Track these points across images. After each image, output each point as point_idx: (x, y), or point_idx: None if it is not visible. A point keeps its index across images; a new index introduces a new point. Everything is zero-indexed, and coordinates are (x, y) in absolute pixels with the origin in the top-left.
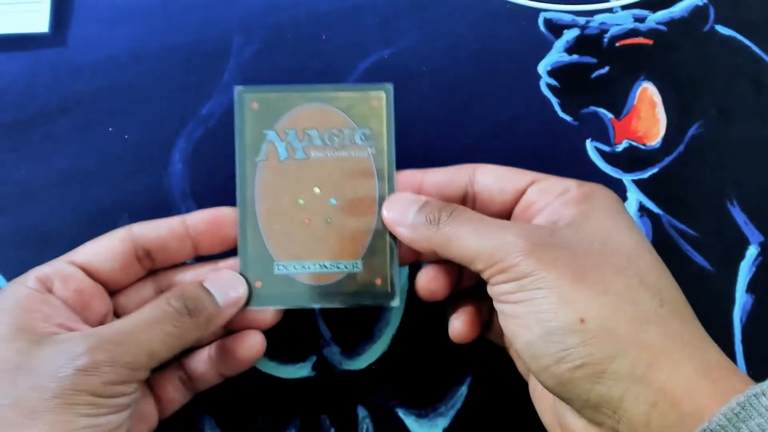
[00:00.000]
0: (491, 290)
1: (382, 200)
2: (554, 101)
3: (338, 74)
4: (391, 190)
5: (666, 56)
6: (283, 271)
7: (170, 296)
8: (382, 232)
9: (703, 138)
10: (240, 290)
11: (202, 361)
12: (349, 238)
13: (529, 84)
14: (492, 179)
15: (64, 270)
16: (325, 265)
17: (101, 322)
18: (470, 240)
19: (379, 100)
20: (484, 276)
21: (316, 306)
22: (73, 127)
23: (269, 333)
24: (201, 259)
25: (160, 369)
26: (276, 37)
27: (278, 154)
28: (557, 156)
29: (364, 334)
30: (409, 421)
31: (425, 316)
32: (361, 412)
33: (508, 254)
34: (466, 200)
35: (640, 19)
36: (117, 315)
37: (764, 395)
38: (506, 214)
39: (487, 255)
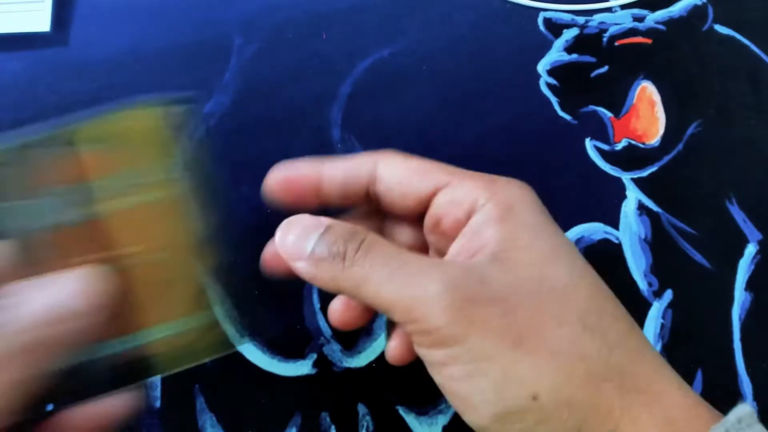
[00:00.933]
0: (419, 351)
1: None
2: (554, 100)
3: (338, 74)
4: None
5: (665, 55)
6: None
7: None
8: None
9: (702, 137)
10: None
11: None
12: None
13: (528, 83)
14: (393, 180)
15: None
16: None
17: None
18: (385, 286)
19: (149, 119)
20: (406, 330)
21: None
22: None
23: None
24: None
25: None
26: (276, 36)
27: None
28: (557, 155)
29: (365, 332)
30: (410, 418)
31: None
32: (362, 409)
33: (431, 312)
34: (371, 200)
35: (639, 19)
36: None
37: None
38: (415, 221)
39: (405, 309)
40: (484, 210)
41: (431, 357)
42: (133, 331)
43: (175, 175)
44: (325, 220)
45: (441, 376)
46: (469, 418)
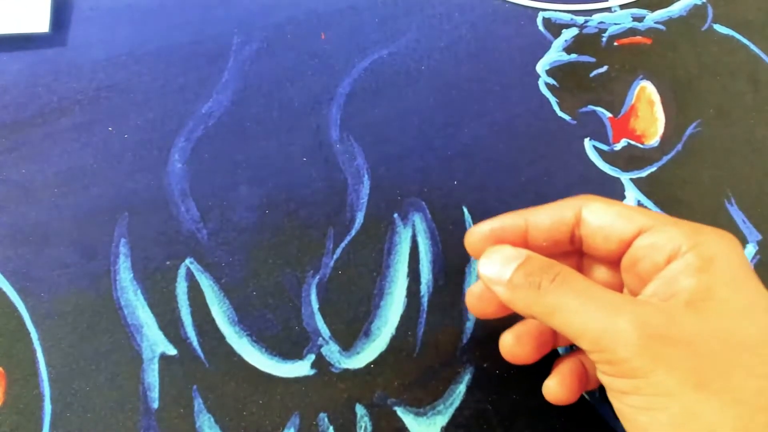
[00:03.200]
0: (602, 379)
1: None
2: (553, 100)
3: (337, 73)
4: None
5: (664, 55)
6: None
7: None
8: None
9: (702, 137)
10: None
11: None
12: None
13: (527, 83)
14: (597, 223)
15: None
16: None
17: None
18: (576, 316)
19: None
20: (591, 357)
21: None
22: (73, 126)
23: (269, 332)
24: None
25: None
26: (275, 36)
27: None
28: (556, 155)
29: (363, 333)
30: (408, 419)
31: (424, 315)
32: (360, 410)
33: (618, 344)
34: (574, 242)
35: (639, 19)
36: None
37: None
38: (614, 261)
39: (593, 338)
40: (684, 258)
41: (613, 385)
42: None
43: None
44: (524, 252)
45: (621, 403)
46: None
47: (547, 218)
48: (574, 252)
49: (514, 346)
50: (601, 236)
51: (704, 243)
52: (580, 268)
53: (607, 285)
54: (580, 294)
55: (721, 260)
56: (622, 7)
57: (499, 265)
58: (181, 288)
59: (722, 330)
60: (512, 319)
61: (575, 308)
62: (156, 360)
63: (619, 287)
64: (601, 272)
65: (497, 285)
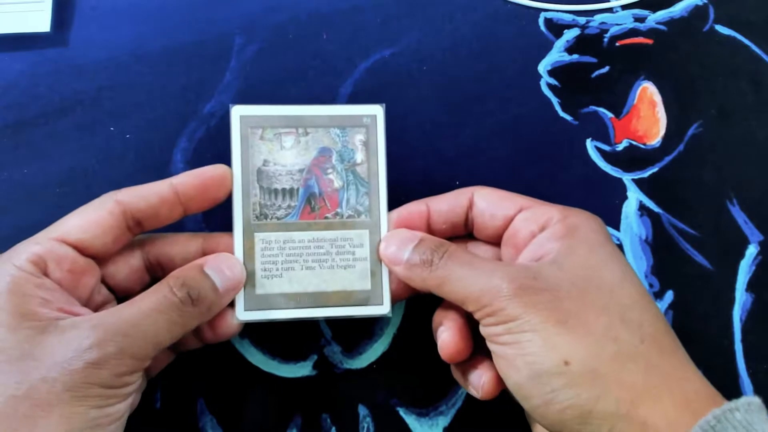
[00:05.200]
0: (483, 330)
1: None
2: (554, 101)
3: (339, 74)
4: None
5: (666, 56)
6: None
7: (173, 285)
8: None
9: (703, 137)
10: (238, 273)
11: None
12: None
13: (529, 84)
14: (486, 204)
15: (57, 251)
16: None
17: (90, 295)
18: (461, 283)
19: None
20: (476, 317)
21: (311, 315)
22: (75, 126)
23: (271, 333)
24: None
25: None
26: (277, 36)
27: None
28: (558, 155)
29: (365, 334)
30: (410, 420)
31: (426, 315)
32: (362, 411)
33: (495, 298)
34: (467, 224)
35: (640, 19)
36: (104, 283)
37: (738, 410)
38: (498, 239)
39: (476, 298)
40: (553, 228)
41: (491, 331)
42: None
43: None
44: (419, 234)
45: (496, 344)
46: (510, 379)
47: (445, 204)
48: (465, 235)
49: (450, 344)
50: (489, 214)
51: (571, 216)
52: (467, 249)
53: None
54: (464, 265)
55: (584, 229)
56: (624, 7)
57: (395, 247)
58: None
59: (580, 278)
60: None
61: (460, 277)
62: None
63: (499, 260)
64: (485, 250)
65: (396, 265)
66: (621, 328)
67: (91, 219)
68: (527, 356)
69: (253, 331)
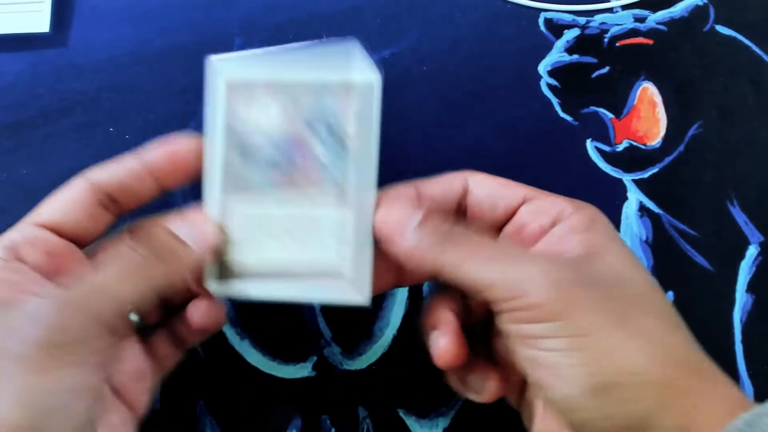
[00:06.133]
0: (509, 327)
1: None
2: (554, 101)
3: None
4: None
5: (666, 56)
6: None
7: (135, 244)
8: (365, 224)
9: (704, 138)
10: (210, 229)
11: (182, 322)
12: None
13: (529, 84)
14: (484, 193)
15: (29, 233)
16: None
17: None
18: (486, 267)
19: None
20: (497, 308)
21: (284, 295)
22: (74, 127)
23: (270, 334)
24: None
25: (149, 329)
26: (277, 37)
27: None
28: (558, 156)
29: (365, 334)
30: (410, 421)
31: None
32: (362, 412)
33: (534, 290)
34: (459, 212)
35: (641, 19)
36: None
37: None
38: (495, 230)
39: (505, 287)
40: (570, 220)
41: (525, 331)
42: None
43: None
44: (424, 206)
45: (533, 349)
46: (558, 390)
47: (438, 188)
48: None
49: (448, 351)
50: (488, 204)
51: (584, 209)
52: None
53: None
54: (491, 245)
55: (600, 222)
56: (624, 7)
57: (399, 217)
58: None
59: (620, 278)
60: None
61: (485, 259)
62: None
63: None
64: None
65: (399, 238)
66: (671, 332)
67: (62, 199)
68: (584, 366)
69: (252, 331)
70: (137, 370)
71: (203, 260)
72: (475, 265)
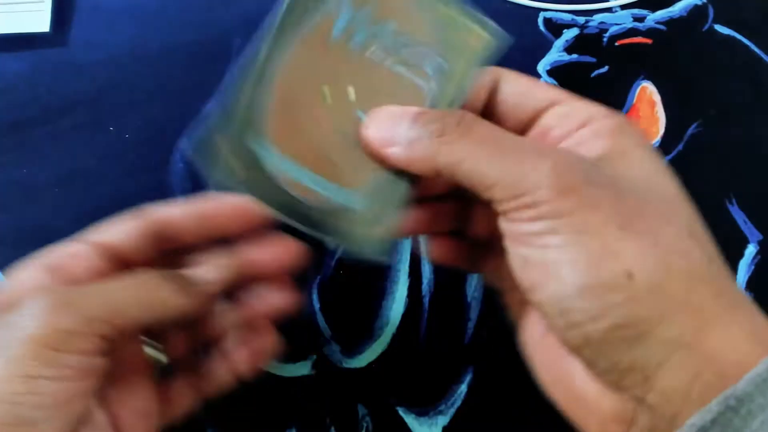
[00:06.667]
0: (508, 227)
1: None
2: None
3: None
4: None
5: (665, 56)
6: (275, 165)
7: (154, 271)
8: (399, 175)
9: (702, 137)
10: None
11: (213, 359)
12: (359, 165)
13: None
14: (513, 91)
15: (75, 249)
16: (322, 183)
17: None
18: (489, 163)
19: (480, 40)
20: (500, 208)
21: (298, 225)
22: (75, 126)
23: None
24: None
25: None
26: None
27: (332, 29)
28: None
29: (365, 333)
30: (409, 419)
31: (426, 315)
32: (361, 410)
33: (540, 187)
34: (486, 109)
35: (640, 19)
36: None
37: None
38: (519, 133)
39: (509, 184)
40: (599, 123)
41: (526, 228)
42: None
43: (444, 82)
44: (413, 108)
45: (529, 247)
46: (547, 290)
47: None
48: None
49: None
50: (514, 103)
51: (614, 115)
52: None
53: None
54: (491, 139)
55: (629, 129)
56: (623, 7)
57: (388, 123)
58: None
59: (641, 181)
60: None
61: (488, 154)
62: None
63: None
64: None
65: (391, 146)
66: (689, 242)
67: (116, 224)
68: (578, 263)
69: None
70: (143, 408)
71: (220, 288)
72: (474, 162)
